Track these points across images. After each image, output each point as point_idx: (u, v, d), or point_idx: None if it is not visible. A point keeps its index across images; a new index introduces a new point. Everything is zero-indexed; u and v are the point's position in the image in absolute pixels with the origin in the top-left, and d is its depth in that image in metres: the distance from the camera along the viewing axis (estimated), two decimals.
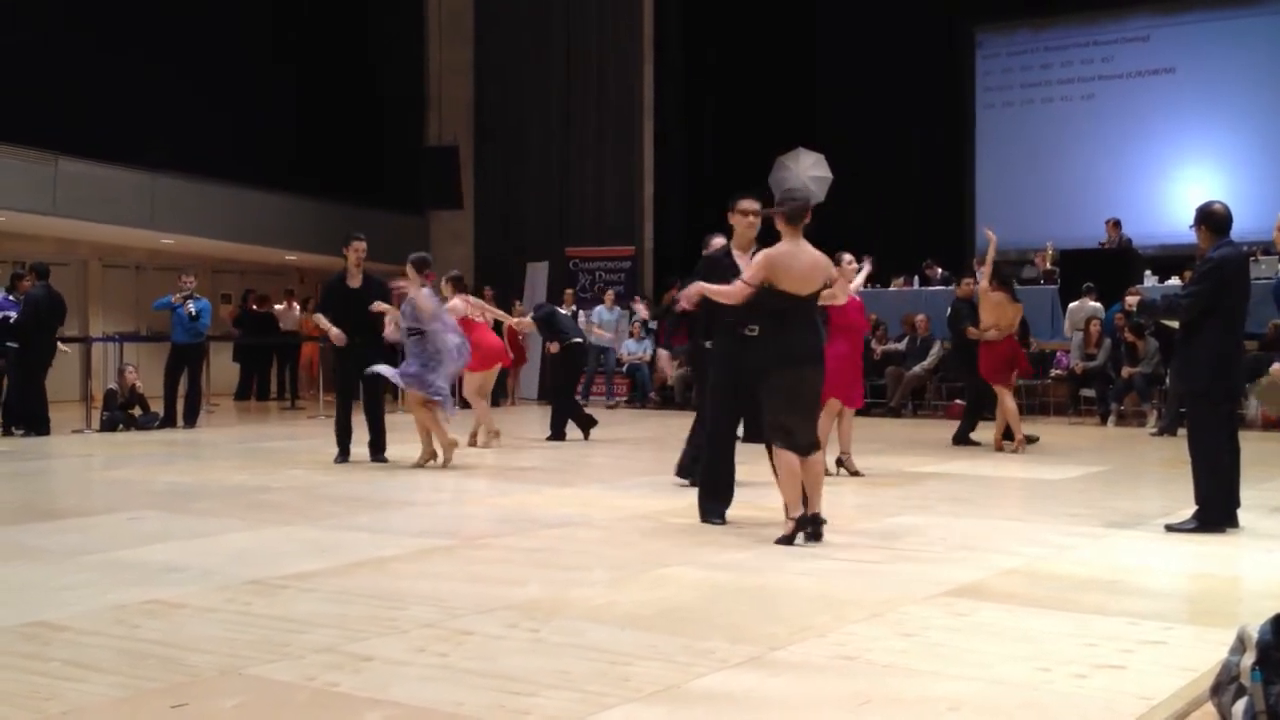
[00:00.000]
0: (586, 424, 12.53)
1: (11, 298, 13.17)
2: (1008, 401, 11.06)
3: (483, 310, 11.99)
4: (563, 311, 14.36)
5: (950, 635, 4.43)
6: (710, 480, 6.99)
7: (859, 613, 4.73)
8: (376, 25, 21.35)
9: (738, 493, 7.04)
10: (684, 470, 8.42)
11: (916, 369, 15.74)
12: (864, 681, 3.85)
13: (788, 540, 6.16)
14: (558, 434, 12.40)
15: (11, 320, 12.77)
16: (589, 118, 20.46)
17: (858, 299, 9.15)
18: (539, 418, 16.71)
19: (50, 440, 12.54)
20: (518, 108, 20.81)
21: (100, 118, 16.38)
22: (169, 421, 13.79)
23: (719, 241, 7.84)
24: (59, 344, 13.55)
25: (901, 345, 16.16)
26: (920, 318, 15.94)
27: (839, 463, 9.12)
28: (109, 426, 13.42)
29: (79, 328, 17.74)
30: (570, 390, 13.26)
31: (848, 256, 8.65)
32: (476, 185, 21.41)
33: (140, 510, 7.54)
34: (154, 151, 16.96)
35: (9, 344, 12.81)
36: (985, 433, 11.50)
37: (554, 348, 12.85)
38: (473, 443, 11.50)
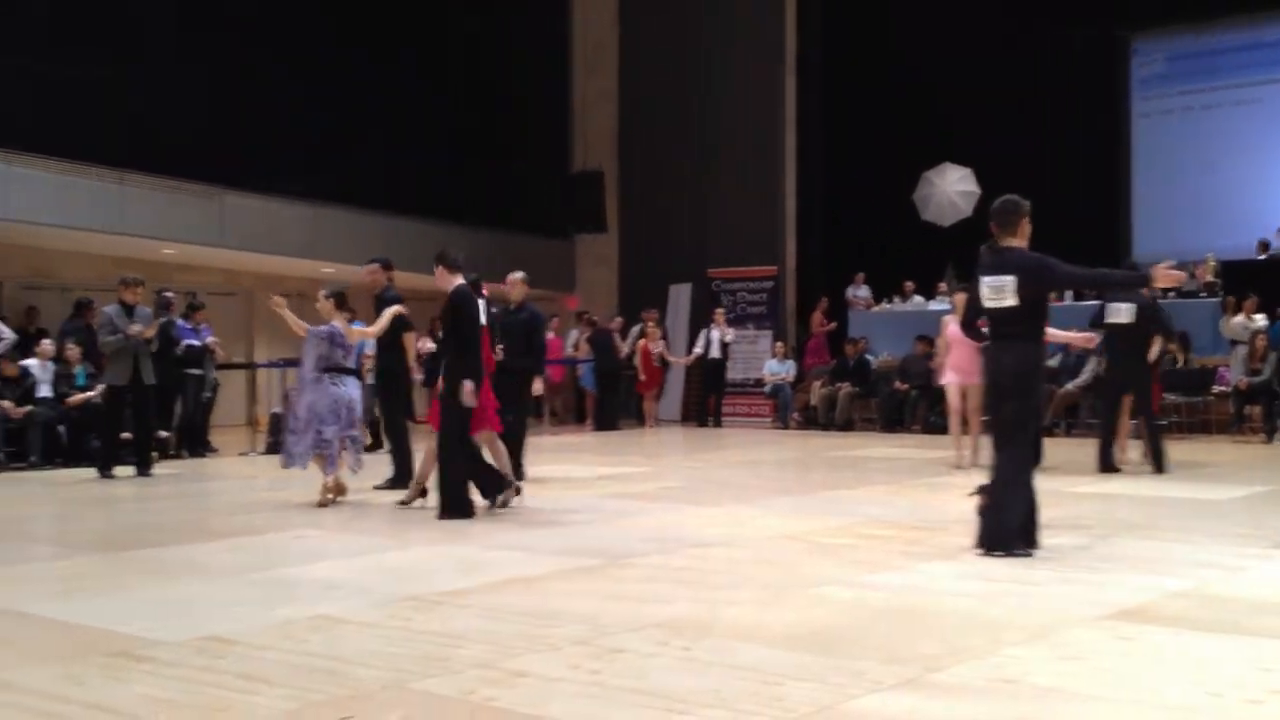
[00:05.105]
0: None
1: (190, 325, 13.83)
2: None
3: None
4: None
5: (1115, 659, 4.29)
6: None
7: (1018, 635, 4.62)
8: (523, 58, 21.79)
9: (868, 513, 6.91)
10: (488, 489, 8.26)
11: (1070, 386, 15.29)
12: (1026, 705, 3.76)
13: None
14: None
15: (195, 345, 13.41)
16: (731, 139, 20.51)
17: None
18: (680, 439, 16.79)
19: (215, 462, 13.07)
20: (661, 132, 21.01)
21: (264, 153, 17.09)
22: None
23: None
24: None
25: (1055, 361, 15.72)
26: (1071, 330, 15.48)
27: None
28: (273, 449, 13.90)
29: (244, 354, 18.47)
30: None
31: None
32: (620, 209, 21.67)
33: (303, 529, 7.81)
34: (315, 184, 17.63)
35: (188, 370, 13.45)
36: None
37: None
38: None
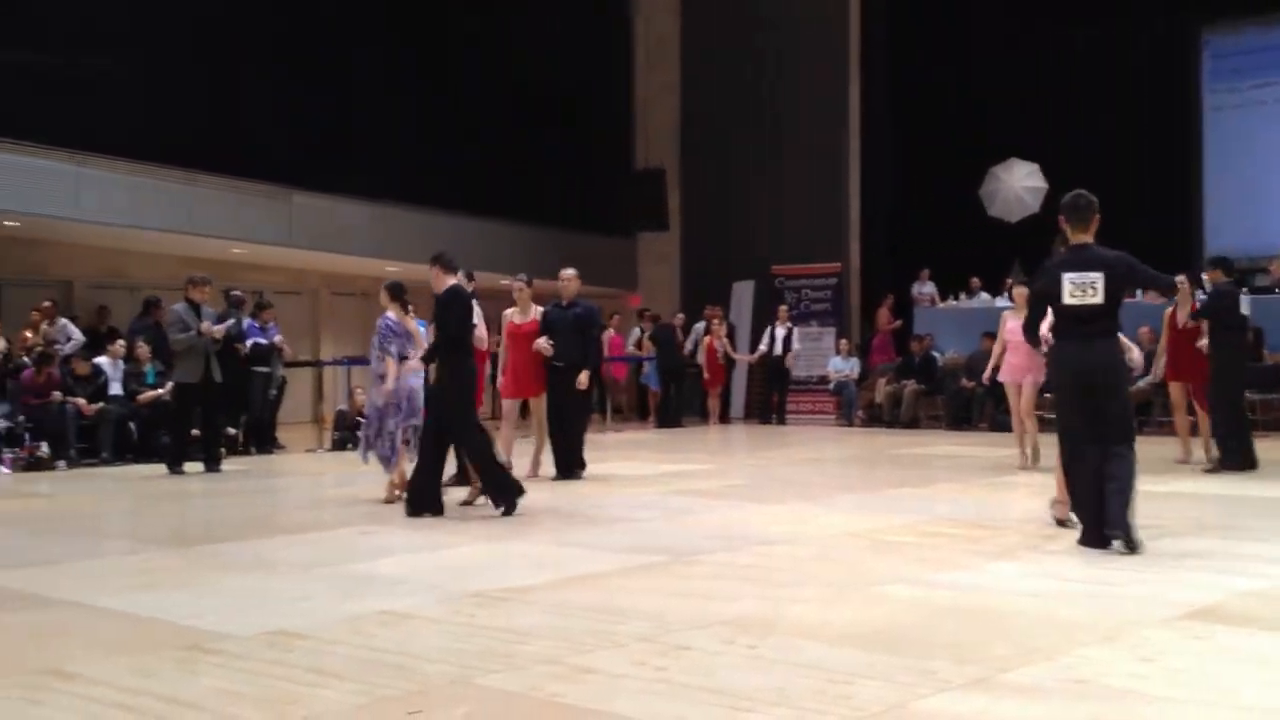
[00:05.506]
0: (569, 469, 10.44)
1: (257, 324, 14.03)
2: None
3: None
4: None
5: (1189, 660, 4.21)
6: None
7: (1089, 635, 4.55)
8: (586, 53, 21.83)
9: (933, 511, 6.82)
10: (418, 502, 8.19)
11: (1140, 384, 15.02)
12: (1100, 706, 3.69)
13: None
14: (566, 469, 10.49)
15: (263, 344, 13.64)
16: (795, 135, 20.37)
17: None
18: (744, 436, 16.75)
19: (283, 459, 13.22)
20: (723, 126, 20.92)
21: (331, 153, 17.29)
22: None
23: None
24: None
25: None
26: (1144, 330, 15.20)
27: None
28: (339, 446, 14.06)
29: (310, 352, 18.71)
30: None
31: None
32: (683, 206, 21.63)
33: (369, 525, 7.88)
34: (382, 184, 17.82)
35: (255, 368, 13.65)
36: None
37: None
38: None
